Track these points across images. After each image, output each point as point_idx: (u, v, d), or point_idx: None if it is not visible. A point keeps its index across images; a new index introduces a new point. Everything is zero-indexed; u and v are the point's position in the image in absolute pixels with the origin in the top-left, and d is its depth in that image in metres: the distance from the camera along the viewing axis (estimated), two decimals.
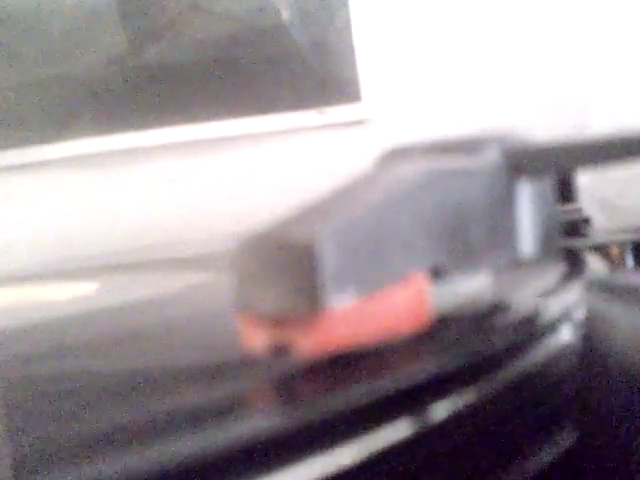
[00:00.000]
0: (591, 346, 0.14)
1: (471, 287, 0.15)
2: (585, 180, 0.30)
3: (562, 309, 0.15)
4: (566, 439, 0.14)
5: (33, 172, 0.62)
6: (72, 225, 0.62)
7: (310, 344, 0.12)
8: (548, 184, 0.16)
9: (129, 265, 0.41)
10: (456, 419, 0.12)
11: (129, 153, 0.62)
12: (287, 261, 0.12)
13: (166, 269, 0.37)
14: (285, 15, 0.61)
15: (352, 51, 0.61)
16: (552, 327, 0.14)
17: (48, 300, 0.31)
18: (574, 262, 0.20)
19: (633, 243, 0.25)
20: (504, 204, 0.15)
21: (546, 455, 0.13)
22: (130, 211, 0.62)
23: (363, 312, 0.12)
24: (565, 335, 0.15)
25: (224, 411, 0.11)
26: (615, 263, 0.25)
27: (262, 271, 0.12)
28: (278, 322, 0.12)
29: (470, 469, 0.12)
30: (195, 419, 0.11)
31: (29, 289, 0.36)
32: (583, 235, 0.27)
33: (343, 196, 0.14)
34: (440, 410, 0.11)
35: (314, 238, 0.12)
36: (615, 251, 0.25)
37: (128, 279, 0.35)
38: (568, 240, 0.25)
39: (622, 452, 0.13)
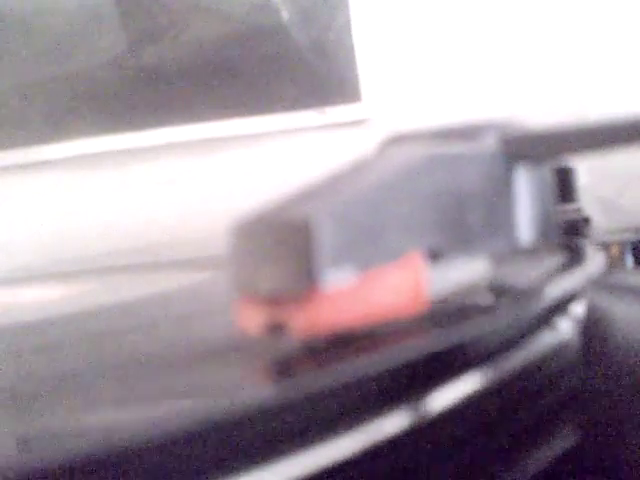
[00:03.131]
0: (591, 344, 0.14)
1: (468, 271, 0.15)
2: (585, 180, 0.30)
3: (561, 297, 0.15)
4: (566, 437, 0.14)
5: (33, 172, 0.62)
6: (72, 225, 0.62)
7: (305, 323, 0.12)
8: (546, 171, 0.16)
9: (128, 265, 0.41)
10: (453, 413, 0.12)
11: (129, 153, 0.62)
12: (283, 240, 0.12)
13: (166, 269, 0.37)
14: (285, 15, 0.61)
15: (352, 51, 0.61)
16: (551, 316, 0.14)
17: (47, 300, 0.31)
18: (574, 252, 0.20)
19: (633, 243, 0.25)
20: (502, 190, 0.15)
21: (546, 453, 0.13)
22: (130, 211, 0.62)
23: (359, 292, 0.12)
24: (564, 332, 0.15)
25: (217, 394, 0.11)
26: (615, 263, 0.25)
27: (258, 250, 0.13)
28: (274, 301, 0.12)
29: (468, 467, 0.12)
30: (191, 404, 0.11)
31: (29, 289, 0.36)
32: (583, 235, 0.27)
33: (340, 178, 0.14)
34: (436, 402, 0.11)
35: (310, 217, 0.12)
36: (615, 251, 0.25)
37: (127, 279, 0.35)
38: (568, 240, 0.25)
39: (622, 450, 0.13)
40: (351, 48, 0.61)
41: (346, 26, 0.61)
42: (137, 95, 0.61)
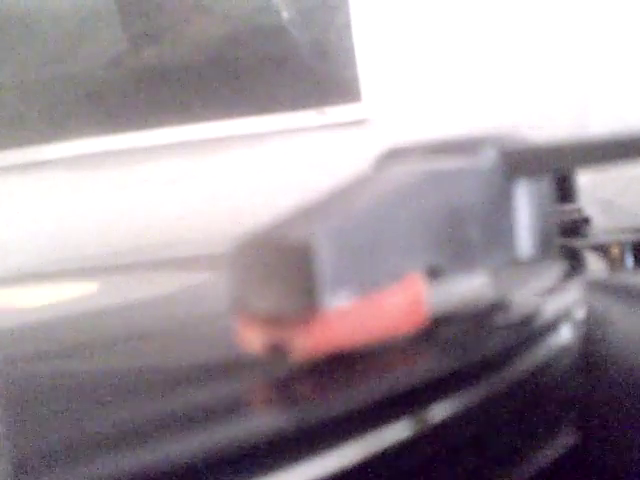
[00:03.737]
0: (591, 346, 0.14)
1: (469, 287, 0.15)
2: (585, 180, 0.30)
3: (561, 309, 0.15)
4: (566, 440, 0.14)
5: (33, 172, 0.62)
6: (72, 225, 0.62)
7: (306, 344, 0.12)
8: (545, 184, 0.16)
9: (129, 265, 0.41)
10: (455, 421, 0.12)
11: (129, 153, 0.62)
12: (283, 261, 0.12)
13: (166, 269, 0.37)
14: (285, 15, 0.61)
15: (352, 51, 0.61)
16: (552, 327, 0.14)
17: (47, 300, 0.31)
18: (574, 261, 0.20)
19: (633, 243, 0.25)
20: (501, 204, 0.15)
21: (547, 456, 0.13)
22: (130, 211, 0.62)
23: (360, 312, 0.13)
24: (565, 335, 0.15)
25: (221, 411, 0.11)
26: (615, 263, 0.25)
27: (258, 271, 0.13)
28: (275, 322, 0.12)
29: (470, 470, 0.12)
30: (193, 419, 0.11)
31: (29, 289, 0.36)
32: (583, 235, 0.27)
33: (340, 197, 0.14)
34: (439, 411, 0.11)
35: (310, 238, 0.12)
36: (615, 251, 0.25)
37: (128, 279, 0.35)
38: (568, 240, 0.25)
39: (622, 452, 0.13)
40: (351, 48, 0.61)
41: (346, 26, 0.61)
42: (137, 95, 0.61)
